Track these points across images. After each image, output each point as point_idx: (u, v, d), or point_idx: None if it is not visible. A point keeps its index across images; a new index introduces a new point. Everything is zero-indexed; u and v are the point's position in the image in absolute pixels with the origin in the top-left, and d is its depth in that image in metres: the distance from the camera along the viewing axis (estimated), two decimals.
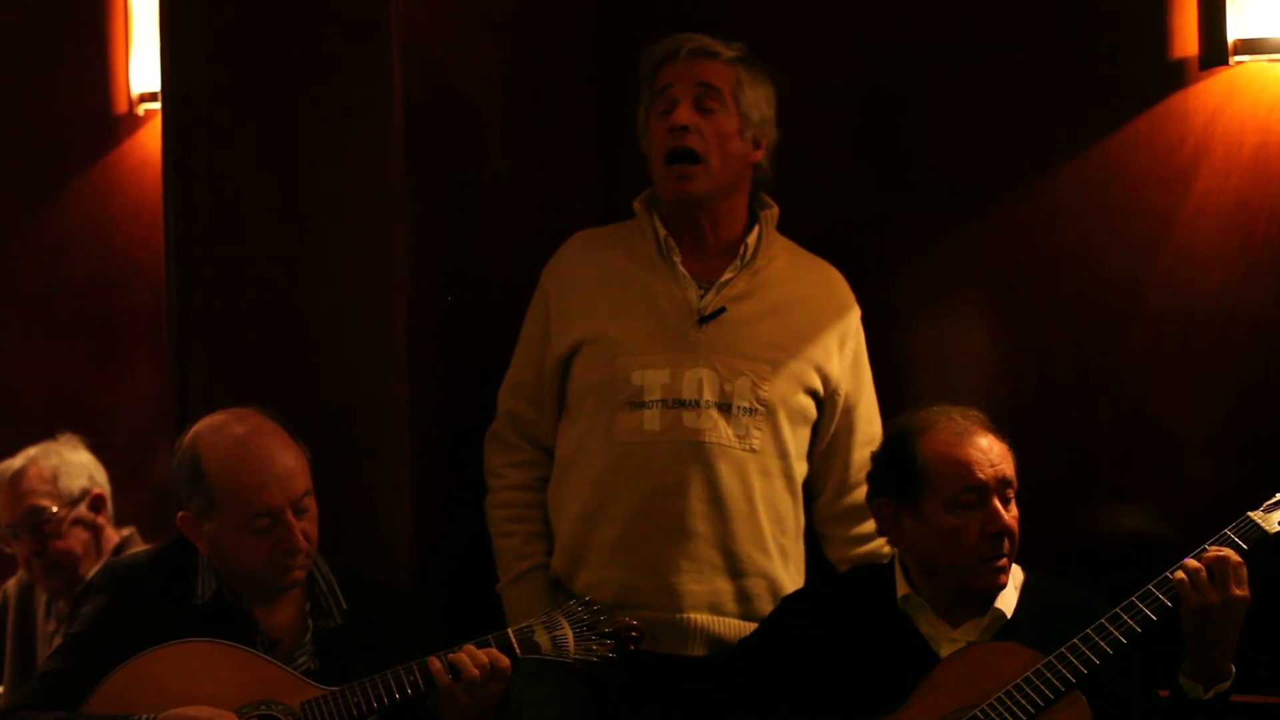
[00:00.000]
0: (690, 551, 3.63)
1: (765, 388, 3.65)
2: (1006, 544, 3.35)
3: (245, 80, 3.88)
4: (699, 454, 3.63)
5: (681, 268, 3.70)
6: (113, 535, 4.40)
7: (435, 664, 3.28)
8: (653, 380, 3.64)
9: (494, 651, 3.30)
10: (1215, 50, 3.74)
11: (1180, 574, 3.25)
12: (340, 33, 3.83)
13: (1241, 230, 3.75)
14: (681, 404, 3.63)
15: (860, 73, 4.05)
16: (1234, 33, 3.72)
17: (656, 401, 3.64)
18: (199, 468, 3.40)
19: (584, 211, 4.04)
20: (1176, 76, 3.78)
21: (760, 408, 3.64)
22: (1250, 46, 3.72)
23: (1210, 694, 3.26)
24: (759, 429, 3.65)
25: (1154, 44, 3.79)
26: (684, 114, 3.64)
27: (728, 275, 3.70)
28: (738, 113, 3.68)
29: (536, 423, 3.77)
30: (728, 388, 3.64)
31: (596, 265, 3.75)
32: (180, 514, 3.44)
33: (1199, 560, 3.25)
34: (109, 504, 4.42)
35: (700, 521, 3.63)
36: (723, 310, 3.67)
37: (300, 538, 3.38)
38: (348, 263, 3.83)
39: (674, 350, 3.66)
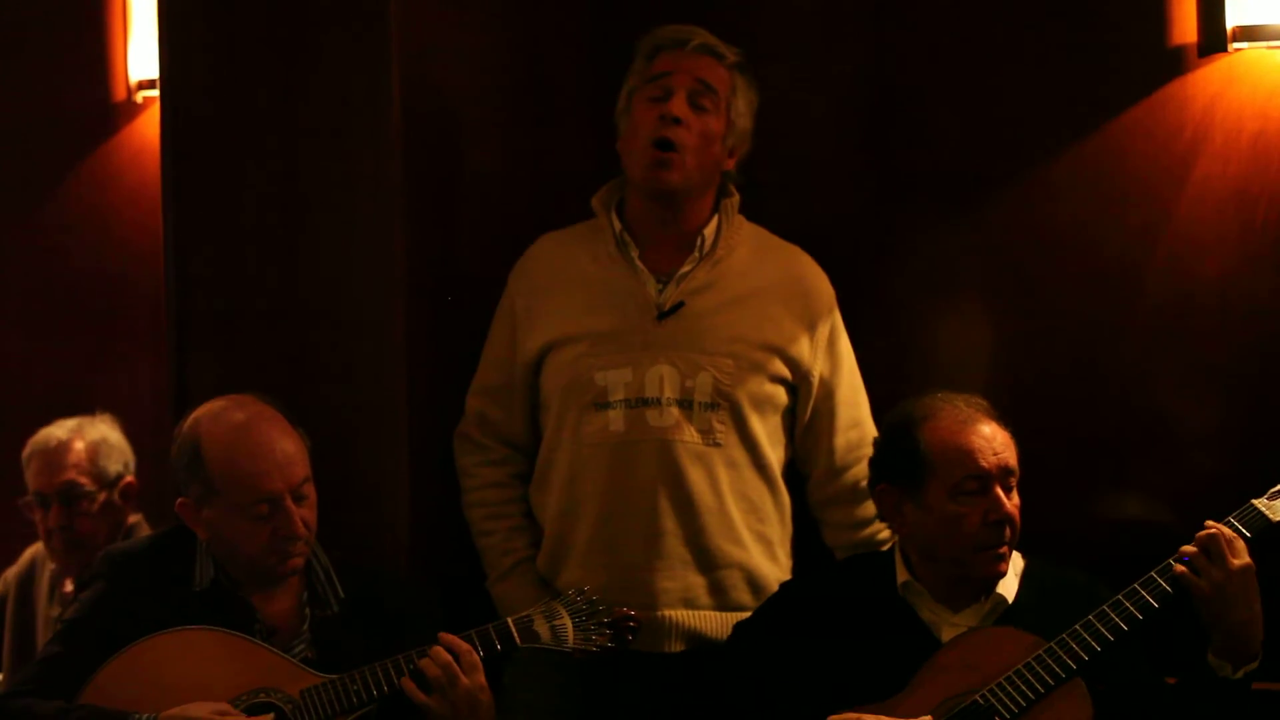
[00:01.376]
0: (661, 549, 3.64)
1: (727, 382, 3.64)
2: (1008, 532, 3.35)
3: (244, 68, 3.87)
4: (663, 452, 3.63)
5: (639, 263, 3.70)
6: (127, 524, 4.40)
7: (408, 684, 3.27)
8: (615, 380, 3.65)
9: (454, 641, 3.29)
10: (1214, 37, 3.73)
11: (1179, 567, 3.25)
12: (339, 21, 3.82)
13: (1240, 217, 3.75)
14: (644, 403, 3.64)
15: (857, 62, 4.05)
16: (1233, 19, 3.72)
17: (620, 401, 3.64)
18: (198, 454, 3.39)
19: (583, 211, 4.02)
20: (1175, 63, 3.78)
21: (722, 402, 3.64)
22: (1249, 33, 3.72)
23: (1239, 674, 3.27)
24: (722, 423, 3.65)
25: (1153, 31, 3.79)
26: (680, 106, 3.63)
27: (686, 268, 3.69)
28: (726, 118, 3.68)
29: (506, 424, 3.77)
30: (689, 384, 3.63)
31: (559, 268, 3.76)
32: (179, 500, 3.44)
33: (1193, 545, 3.26)
34: (134, 496, 4.42)
35: (669, 519, 3.63)
36: (682, 304, 3.67)
37: (300, 524, 3.38)
38: (347, 253, 3.82)
39: (635, 349, 3.66)
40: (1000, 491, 3.34)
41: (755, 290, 3.70)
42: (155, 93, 4.62)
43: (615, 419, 3.64)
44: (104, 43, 4.92)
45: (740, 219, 3.75)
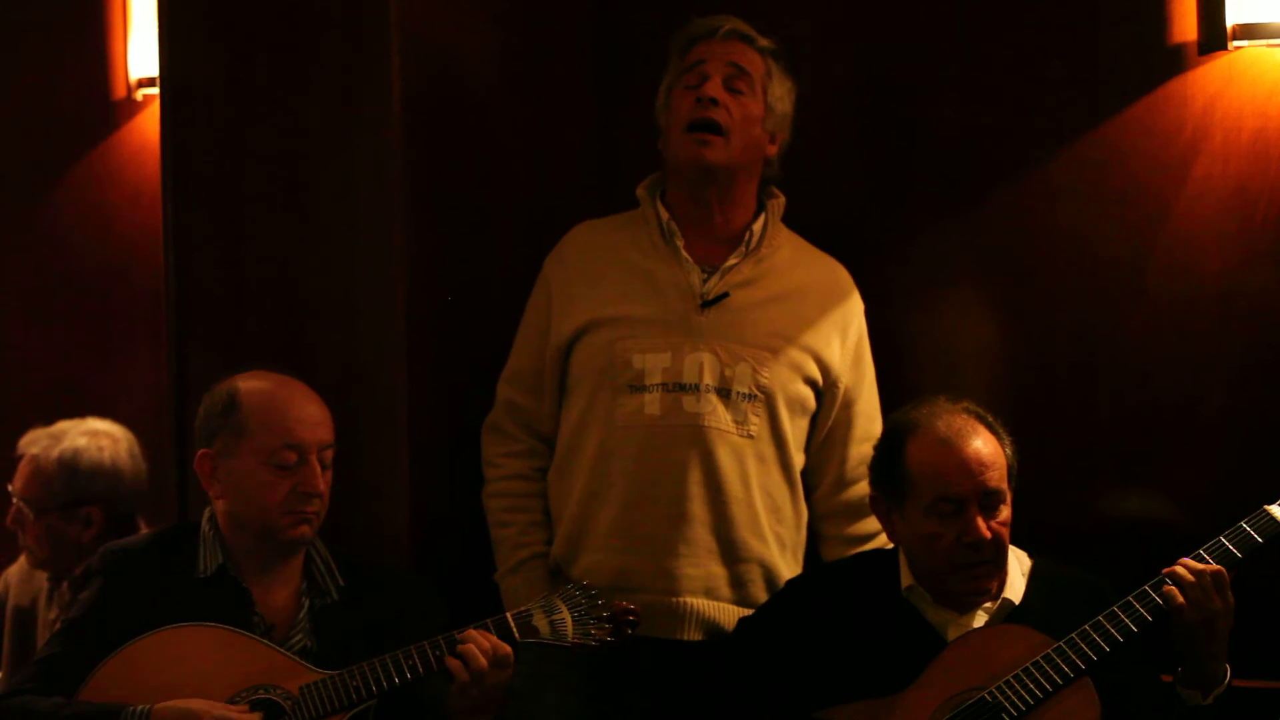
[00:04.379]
0: (687, 536, 3.63)
1: (765, 374, 3.64)
2: (988, 551, 3.32)
3: (244, 65, 3.88)
4: (698, 438, 3.62)
5: (684, 252, 3.70)
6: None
7: (453, 663, 3.28)
8: (653, 364, 3.64)
9: (494, 639, 3.31)
10: (1214, 35, 3.73)
11: (1173, 593, 3.23)
12: (339, 19, 3.82)
13: (1240, 215, 3.75)
14: (682, 388, 3.63)
15: (859, 59, 4.05)
16: (1233, 17, 3.72)
17: (657, 385, 3.63)
18: (235, 400, 3.44)
19: (583, 203, 4.04)
20: (1175, 61, 3.78)
21: (759, 394, 3.64)
22: (1249, 31, 3.72)
23: (1209, 699, 3.27)
24: (757, 415, 3.64)
25: (1153, 29, 3.79)
26: (715, 88, 3.65)
27: (732, 261, 3.70)
28: (764, 101, 3.69)
29: (535, 412, 3.76)
30: (728, 373, 3.63)
31: (599, 253, 3.75)
32: (200, 452, 3.46)
33: (1187, 574, 3.24)
34: (100, 520, 4.34)
35: (697, 505, 3.62)
36: (726, 295, 3.67)
37: (320, 481, 3.41)
38: (347, 252, 3.83)
39: (675, 334, 3.65)
40: (977, 514, 3.31)
41: (796, 291, 3.71)
42: (155, 90, 4.61)
43: (651, 402, 3.63)
44: (104, 40, 4.91)
45: (781, 223, 3.76)
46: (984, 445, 3.34)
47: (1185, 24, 3.76)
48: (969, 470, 3.31)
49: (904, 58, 4.02)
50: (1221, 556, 3.26)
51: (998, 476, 3.33)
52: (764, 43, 3.72)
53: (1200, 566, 3.24)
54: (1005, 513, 3.34)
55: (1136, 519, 3.82)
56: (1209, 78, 3.77)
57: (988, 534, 3.30)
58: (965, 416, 3.38)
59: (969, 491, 3.30)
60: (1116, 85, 3.83)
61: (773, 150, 3.74)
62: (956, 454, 3.32)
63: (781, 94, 3.72)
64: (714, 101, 3.64)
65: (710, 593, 3.64)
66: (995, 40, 3.93)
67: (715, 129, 3.64)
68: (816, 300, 3.73)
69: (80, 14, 4.93)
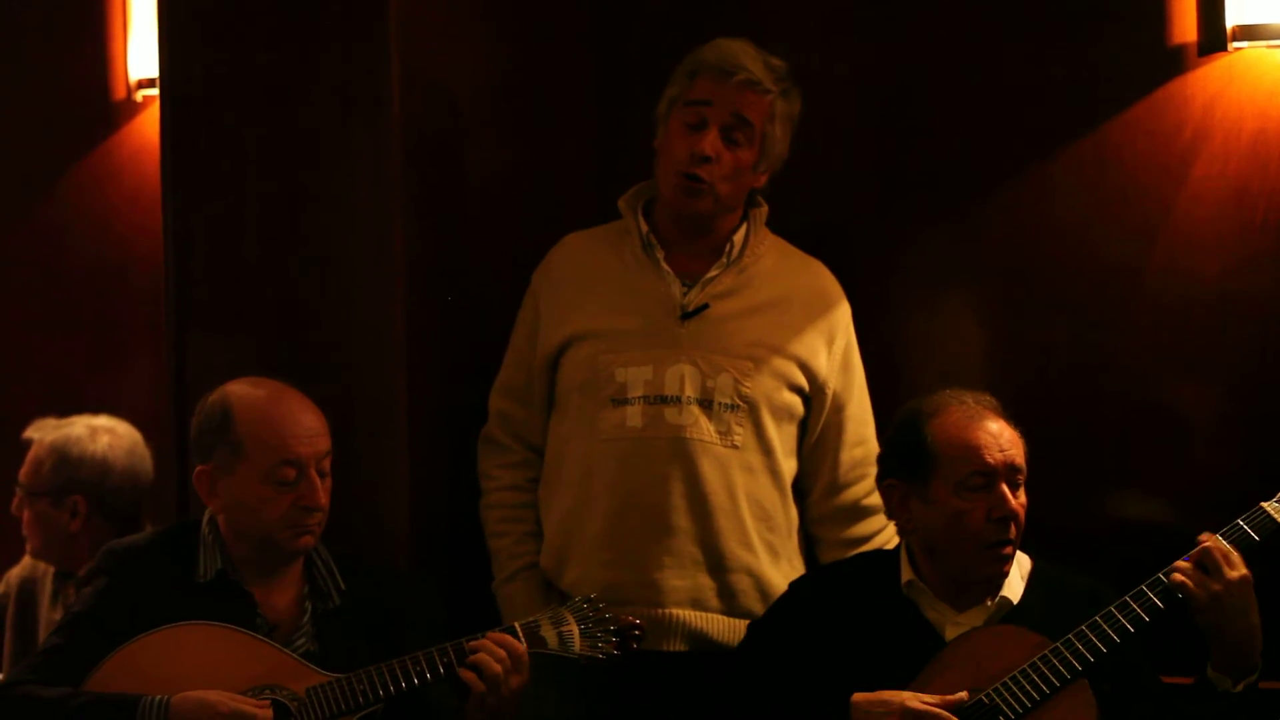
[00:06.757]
0: (672, 548, 3.64)
1: (747, 384, 3.65)
2: (1013, 529, 3.34)
3: (244, 67, 3.87)
4: (680, 450, 3.63)
5: (665, 264, 3.70)
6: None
7: (468, 675, 3.28)
8: (635, 377, 3.65)
9: (508, 640, 3.31)
10: (1214, 36, 3.74)
11: (1177, 575, 3.25)
12: (339, 21, 3.82)
13: (1240, 216, 3.75)
14: (663, 400, 3.64)
15: (858, 60, 4.05)
16: (1233, 18, 3.73)
17: (639, 398, 3.64)
18: (228, 417, 3.41)
19: (583, 211, 4.04)
20: (1175, 62, 3.78)
21: (742, 404, 3.64)
22: (1249, 32, 3.73)
23: (1239, 687, 3.27)
24: (741, 425, 3.65)
25: (1153, 30, 3.79)
26: (712, 144, 3.63)
27: (713, 272, 3.70)
28: (760, 148, 3.67)
29: (527, 422, 3.78)
30: (709, 384, 3.64)
31: (584, 266, 3.76)
32: (198, 468, 3.45)
33: (1187, 559, 3.26)
34: (85, 510, 4.35)
35: (682, 517, 3.63)
36: (706, 306, 3.67)
37: (321, 494, 3.40)
38: (347, 253, 3.82)
39: (657, 347, 3.66)
40: (1005, 488, 3.33)
41: (778, 299, 3.71)
42: (155, 91, 4.61)
43: (633, 415, 3.64)
44: (104, 41, 4.91)
45: (765, 229, 3.76)
46: (1004, 425, 3.38)
47: (1185, 25, 3.77)
48: (1000, 444, 3.34)
49: (905, 58, 4.02)
50: None
51: (1020, 454, 3.36)
52: (775, 87, 3.67)
53: (1185, 564, 3.26)
54: (1024, 496, 3.36)
55: (1136, 519, 3.83)
56: (1209, 79, 3.77)
57: (1017, 509, 3.33)
58: (981, 402, 3.41)
59: (1000, 464, 3.33)
60: (1116, 86, 3.83)
61: (761, 181, 3.73)
62: (985, 428, 3.35)
63: (781, 134, 3.70)
64: (707, 159, 3.62)
65: (697, 604, 3.65)
66: (995, 41, 3.93)
67: (703, 180, 3.64)
68: (801, 307, 3.73)
69: (80, 15, 4.93)
